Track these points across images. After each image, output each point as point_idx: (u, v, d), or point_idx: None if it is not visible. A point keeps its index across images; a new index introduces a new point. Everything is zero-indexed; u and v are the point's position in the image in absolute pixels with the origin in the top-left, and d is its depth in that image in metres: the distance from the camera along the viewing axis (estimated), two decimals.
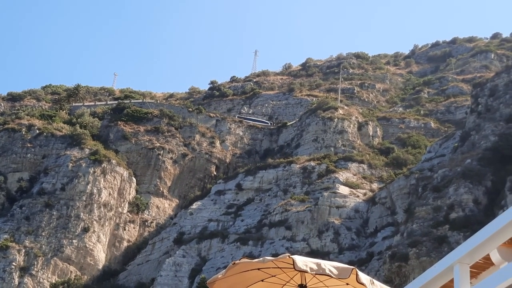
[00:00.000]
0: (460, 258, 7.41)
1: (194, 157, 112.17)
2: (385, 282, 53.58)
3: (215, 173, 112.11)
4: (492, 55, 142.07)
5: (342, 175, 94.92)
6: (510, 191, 63.78)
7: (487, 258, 7.83)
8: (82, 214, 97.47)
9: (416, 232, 67.29)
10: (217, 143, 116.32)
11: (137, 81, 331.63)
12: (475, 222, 60.13)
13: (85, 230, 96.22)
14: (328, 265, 9.96)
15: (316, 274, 10.23)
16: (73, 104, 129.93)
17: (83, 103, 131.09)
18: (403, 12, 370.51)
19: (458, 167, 74.63)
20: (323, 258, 11.28)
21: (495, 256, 7.63)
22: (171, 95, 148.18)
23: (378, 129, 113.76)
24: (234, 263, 10.39)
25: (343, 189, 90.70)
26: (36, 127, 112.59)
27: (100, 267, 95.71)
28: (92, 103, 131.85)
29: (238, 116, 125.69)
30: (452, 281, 7.66)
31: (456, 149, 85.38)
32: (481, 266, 8.14)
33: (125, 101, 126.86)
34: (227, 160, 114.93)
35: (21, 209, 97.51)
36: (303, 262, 9.90)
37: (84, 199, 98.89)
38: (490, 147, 76.23)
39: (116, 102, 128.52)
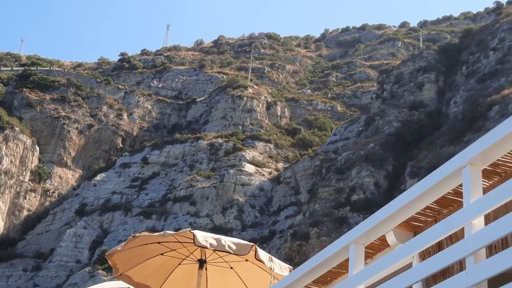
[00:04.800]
0: (356, 238, 7.56)
1: (100, 128, 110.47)
2: (285, 260, 54.34)
3: (121, 146, 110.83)
4: (399, 43, 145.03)
5: (249, 154, 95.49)
6: (410, 176, 65.59)
7: (383, 239, 8.01)
8: None
9: (318, 212, 68.50)
10: (125, 116, 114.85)
11: (45, 48, 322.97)
12: (375, 205, 61.57)
13: None
14: (228, 242, 10.05)
15: (215, 250, 10.30)
16: None
17: None
18: None
19: (361, 151, 76.28)
20: (226, 235, 11.36)
21: (390, 238, 7.81)
22: (80, 65, 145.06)
23: (286, 109, 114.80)
24: (134, 236, 10.35)
25: (249, 167, 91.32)
26: None
27: None
28: None
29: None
30: (347, 260, 7.81)
31: (360, 133, 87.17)
32: (377, 247, 8.33)
33: (32, 68, 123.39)
34: (134, 133, 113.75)
35: None
36: (204, 237, 9.96)
37: None
38: (393, 133, 78.17)
39: (22, 68, 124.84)
